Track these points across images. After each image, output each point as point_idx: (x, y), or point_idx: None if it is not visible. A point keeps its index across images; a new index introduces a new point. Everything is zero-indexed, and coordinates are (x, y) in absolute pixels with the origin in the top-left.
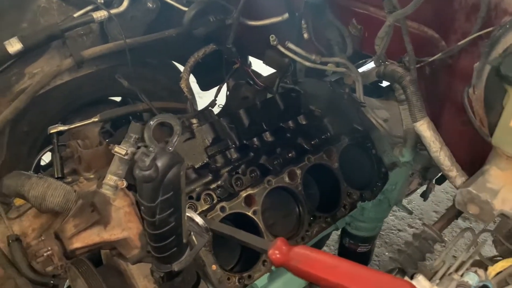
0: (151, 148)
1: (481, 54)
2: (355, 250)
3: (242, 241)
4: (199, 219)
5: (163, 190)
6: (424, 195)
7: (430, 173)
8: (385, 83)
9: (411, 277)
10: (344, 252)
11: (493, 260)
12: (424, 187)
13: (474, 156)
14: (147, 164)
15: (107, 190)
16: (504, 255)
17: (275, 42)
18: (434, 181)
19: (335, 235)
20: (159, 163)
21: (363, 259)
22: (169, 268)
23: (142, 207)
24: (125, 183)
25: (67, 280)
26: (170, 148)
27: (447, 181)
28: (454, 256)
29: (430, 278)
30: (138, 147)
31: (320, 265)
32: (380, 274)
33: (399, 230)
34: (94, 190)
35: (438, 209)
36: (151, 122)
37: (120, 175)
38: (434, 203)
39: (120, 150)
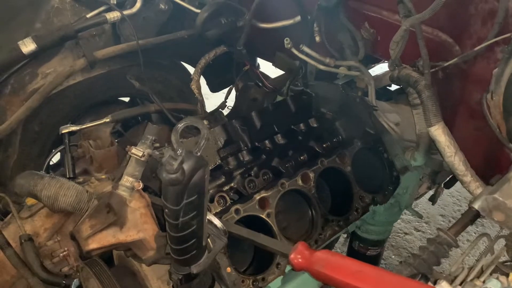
0: (178, 152)
1: (499, 60)
2: (365, 254)
3: (262, 245)
4: (217, 222)
5: (188, 193)
6: (433, 199)
7: (439, 177)
8: (394, 87)
9: (434, 283)
10: (353, 255)
11: (505, 265)
12: (431, 191)
13: (489, 161)
14: (175, 167)
15: (123, 191)
16: None
17: (289, 45)
18: (442, 185)
19: (340, 237)
20: (186, 167)
21: (372, 262)
22: (187, 270)
23: (166, 210)
24: (141, 185)
25: (75, 280)
26: (197, 152)
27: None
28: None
29: (450, 284)
30: (156, 148)
31: (343, 270)
32: (406, 280)
33: (406, 233)
34: (110, 191)
35: (445, 212)
36: (179, 125)
37: (136, 177)
38: (440, 207)
39: (137, 151)
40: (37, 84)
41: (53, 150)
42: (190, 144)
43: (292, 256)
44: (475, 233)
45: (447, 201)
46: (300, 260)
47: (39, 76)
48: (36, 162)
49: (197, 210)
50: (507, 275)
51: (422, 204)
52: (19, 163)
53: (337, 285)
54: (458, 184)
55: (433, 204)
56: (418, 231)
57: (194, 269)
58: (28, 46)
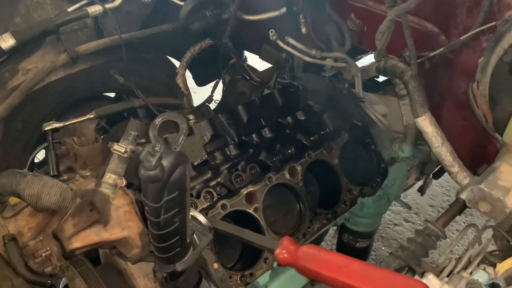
0: (156, 148)
1: (485, 49)
2: (354, 246)
3: (247, 241)
4: (202, 218)
5: (169, 190)
6: (422, 190)
7: (427, 168)
8: (381, 78)
9: (421, 276)
10: (343, 247)
11: (493, 255)
12: (420, 182)
13: (476, 152)
14: (153, 164)
15: (106, 188)
16: (504, 249)
17: (274, 37)
18: (431, 175)
19: (330, 230)
20: (165, 163)
21: (362, 254)
22: (172, 268)
23: (147, 208)
24: (124, 182)
25: (63, 279)
26: (176, 148)
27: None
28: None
29: (437, 276)
30: (138, 145)
31: (329, 264)
32: (392, 274)
33: (395, 225)
34: (93, 189)
35: (434, 203)
36: (157, 121)
37: (119, 173)
38: (429, 197)
39: (119, 147)
40: (18, 81)
41: (37, 148)
42: (187, 143)
43: (277, 251)
44: (464, 222)
45: (436, 191)
46: (285, 255)
47: (19, 72)
48: (19, 161)
49: (179, 207)
50: (494, 266)
51: (412, 195)
52: (1, 162)
53: (323, 280)
54: (446, 174)
55: (422, 195)
56: (408, 222)
57: (179, 266)
58: (7, 41)
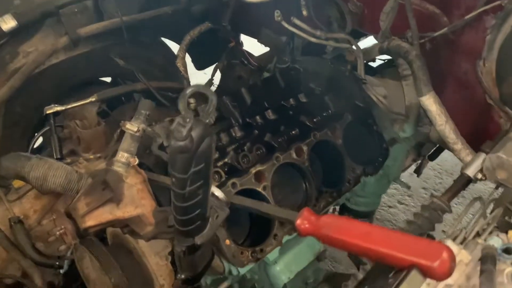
0: (187, 119)
1: (487, 28)
2: None
3: (266, 213)
4: (219, 193)
5: (196, 162)
6: (418, 171)
7: (424, 150)
8: (376, 63)
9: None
10: None
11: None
12: (414, 165)
13: (477, 129)
14: (184, 134)
15: (119, 167)
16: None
17: (279, 18)
18: (427, 157)
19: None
20: (194, 134)
21: None
22: (191, 241)
23: (173, 179)
24: (137, 160)
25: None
26: (206, 119)
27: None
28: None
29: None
30: (150, 124)
31: (352, 232)
32: (414, 238)
33: (390, 207)
34: (105, 168)
35: (427, 185)
36: (187, 92)
37: (131, 152)
38: (422, 180)
39: (132, 126)
40: (19, 63)
41: (36, 133)
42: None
43: (298, 222)
44: (456, 204)
45: (428, 174)
46: (307, 225)
47: (20, 55)
48: (18, 145)
49: (204, 179)
50: (506, 233)
51: (405, 178)
52: (1, 146)
53: (347, 247)
54: (439, 157)
55: (418, 176)
56: (402, 204)
57: (198, 240)
58: (8, 23)
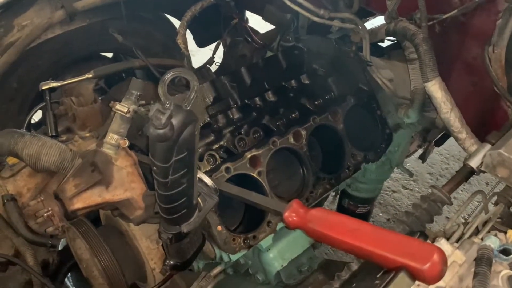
0: (166, 105)
1: (500, 11)
2: (354, 211)
3: (254, 203)
4: (208, 180)
5: (178, 150)
6: (423, 157)
7: (430, 135)
8: (386, 43)
9: (432, 241)
10: (343, 213)
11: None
12: (420, 150)
13: (484, 118)
14: (162, 122)
15: (108, 149)
16: (505, 216)
17: None
18: (433, 143)
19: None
20: (175, 121)
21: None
22: (178, 229)
23: (154, 168)
24: (127, 142)
25: (62, 240)
26: (187, 106)
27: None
28: (447, 217)
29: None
30: (141, 105)
31: (341, 227)
32: (406, 238)
33: (394, 191)
34: (94, 149)
35: (433, 170)
36: (166, 76)
37: (121, 134)
38: (428, 165)
39: (122, 107)
40: (13, 37)
41: (34, 108)
42: (177, 101)
43: (286, 214)
44: (461, 190)
45: (435, 159)
46: (294, 218)
47: (15, 28)
48: (15, 121)
49: (187, 167)
50: (504, 232)
51: (411, 162)
52: None
53: (334, 243)
54: (446, 142)
55: (423, 162)
56: (406, 189)
57: (185, 228)
58: None
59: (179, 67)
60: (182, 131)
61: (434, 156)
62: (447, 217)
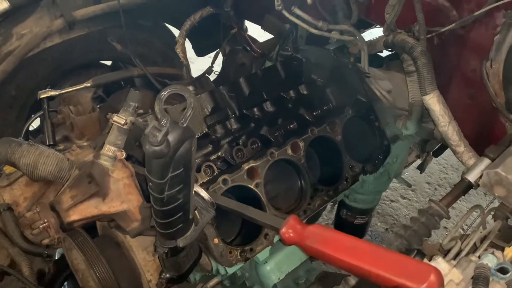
0: (162, 122)
1: (498, 26)
2: (352, 222)
3: (251, 218)
4: (205, 194)
5: (174, 167)
6: (421, 168)
7: (428, 146)
8: (385, 53)
9: (429, 259)
10: (341, 223)
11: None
12: (419, 160)
13: (482, 131)
14: (159, 139)
15: (105, 161)
16: (503, 230)
17: (280, 7)
18: (431, 153)
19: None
20: (171, 138)
21: (360, 231)
22: (173, 244)
23: (150, 183)
24: (124, 154)
25: (59, 249)
26: (184, 123)
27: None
28: (445, 227)
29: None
30: (139, 114)
31: (337, 245)
32: (402, 257)
33: (392, 201)
34: (91, 161)
35: (431, 180)
36: (163, 93)
37: (118, 146)
38: (427, 175)
39: (119, 119)
40: (12, 46)
41: (32, 116)
42: (176, 111)
43: (283, 230)
44: (459, 200)
45: (433, 168)
46: (291, 234)
47: (13, 37)
48: (13, 129)
49: (184, 183)
50: (502, 249)
51: (409, 171)
52: None
53: (330, 260)
54: (445, 152)
55: (421, 173)
56: (404, 198)
57: (181, 242)
58: (0, 4)
59: (177, 75)
60: (178, 148)
61: (433, 165)
62: (445, 227)
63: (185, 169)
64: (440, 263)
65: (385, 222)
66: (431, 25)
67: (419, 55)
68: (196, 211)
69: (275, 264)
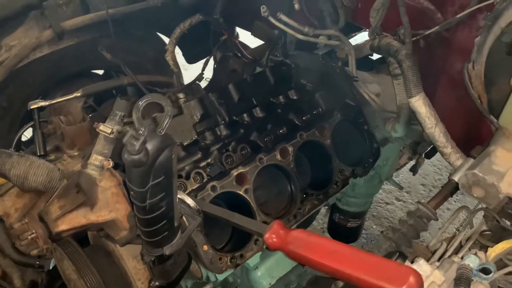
0: (140, 131)
1: (481, 27)
2: (345, 225)
3: (236, 224)
4: (190, 201)
5: (154, 175)
6: (414, 170)
7: (420, 148)
8: (375, 56)
9: (412, 261)
10: (334, 227)
11: (484, 238)
12: (412, 162)
13: (469, 132)
14: (136, 148)
15: (92, 170)
16: (494, 230)
17: (266, 14)
18: (423, 155)
19: (322, 209)
20: (150, 147)
21: (353, 234)
22: (160, 252)
23: (132, 192)
24: (111, 163)
25: (52, 260)
26: (161, 131)
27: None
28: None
29: (428, 259)
30: (126, 123)
31: (319, 250)
32: (383, 260)
33: (387, 203)
34: (79, 170)
35: (426, 182)
36: (140, 103)
37: (106, 155)
38: (421, 176)
39: (105, 128)
40: (1, 57)
41: (24, 126)
42: (176, 123)
43: (267, 235)
44: (454, 201)
45: (428, 170)
46: (275, 239)
47: (2, 48)
48: (5, 140)
49: (166, 191)
50: (486, 249)
51: (403, 173)
52: None
53: (312, 265)
54: (439, 153)
55: (414, 175)
56: (399, 200)
57: (167, 250)
58: None
59: (168, 83)
60: (157, 156)
61: (427, 167)
62: (440, 228)
63: (166, 177)
64: (421, 265)
65: (381, 224)
66: (416, 28)
67: (404, 58)
68: (184, 219)
69: (266, 269)
